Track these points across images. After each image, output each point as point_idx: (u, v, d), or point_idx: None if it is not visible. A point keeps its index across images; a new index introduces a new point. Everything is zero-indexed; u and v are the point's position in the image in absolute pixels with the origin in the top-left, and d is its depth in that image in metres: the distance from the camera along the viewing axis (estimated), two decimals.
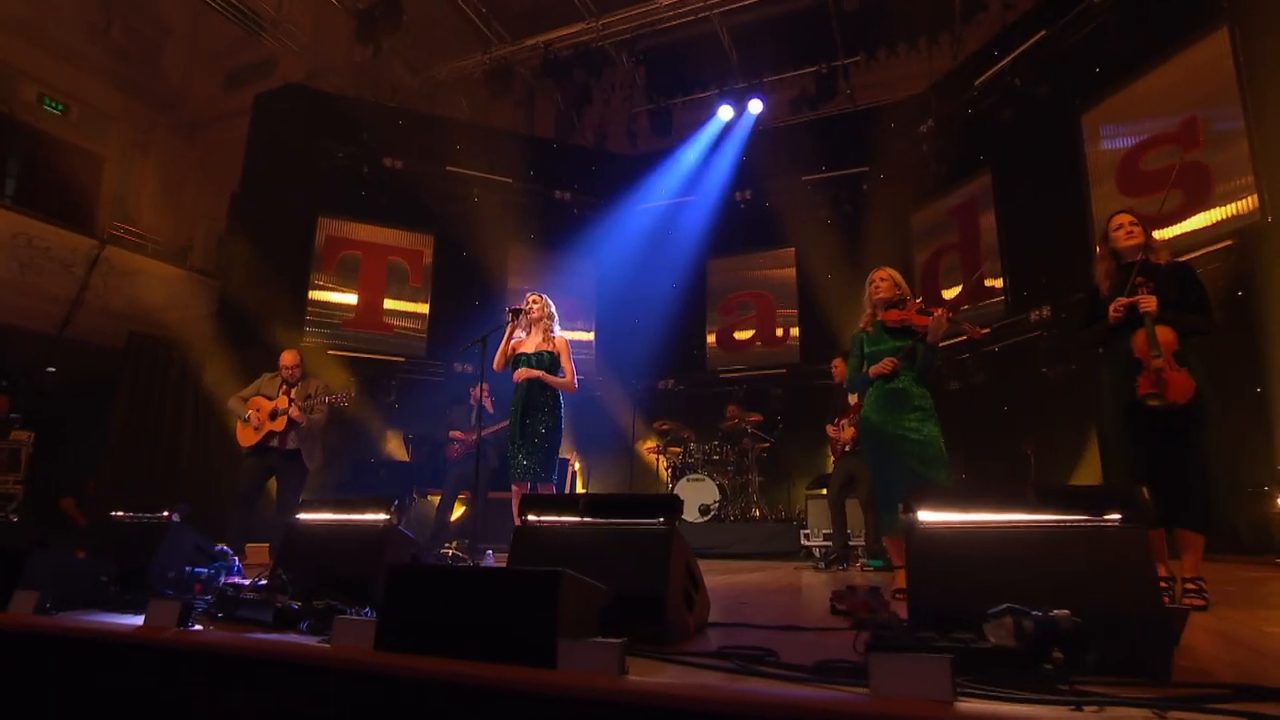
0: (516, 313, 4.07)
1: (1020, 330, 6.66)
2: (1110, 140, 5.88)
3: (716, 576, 4.13)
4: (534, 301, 4.12)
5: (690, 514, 6.67)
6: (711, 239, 9.41)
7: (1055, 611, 1.53)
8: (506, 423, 5.34)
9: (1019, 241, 6.88)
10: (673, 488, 7.12)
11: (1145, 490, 1.63)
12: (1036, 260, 6.65)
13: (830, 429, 5.54)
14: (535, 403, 4.03)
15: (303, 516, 2.69)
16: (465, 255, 9.04)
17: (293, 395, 4.80)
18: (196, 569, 2.73)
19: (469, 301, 8.94)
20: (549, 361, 4.08)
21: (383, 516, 2.48)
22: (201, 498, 6.38)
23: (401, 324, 8.78)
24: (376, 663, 1.65)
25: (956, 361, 7.07)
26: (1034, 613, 1.54)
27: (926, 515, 1.88)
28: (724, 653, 1.76)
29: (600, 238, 9.49)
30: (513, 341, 4.15)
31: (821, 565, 5.26)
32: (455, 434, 6.06)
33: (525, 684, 1.51)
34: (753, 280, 9.51)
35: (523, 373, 3.99)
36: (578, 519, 2.19)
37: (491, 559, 4.63)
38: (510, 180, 9.23)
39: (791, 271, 9.21)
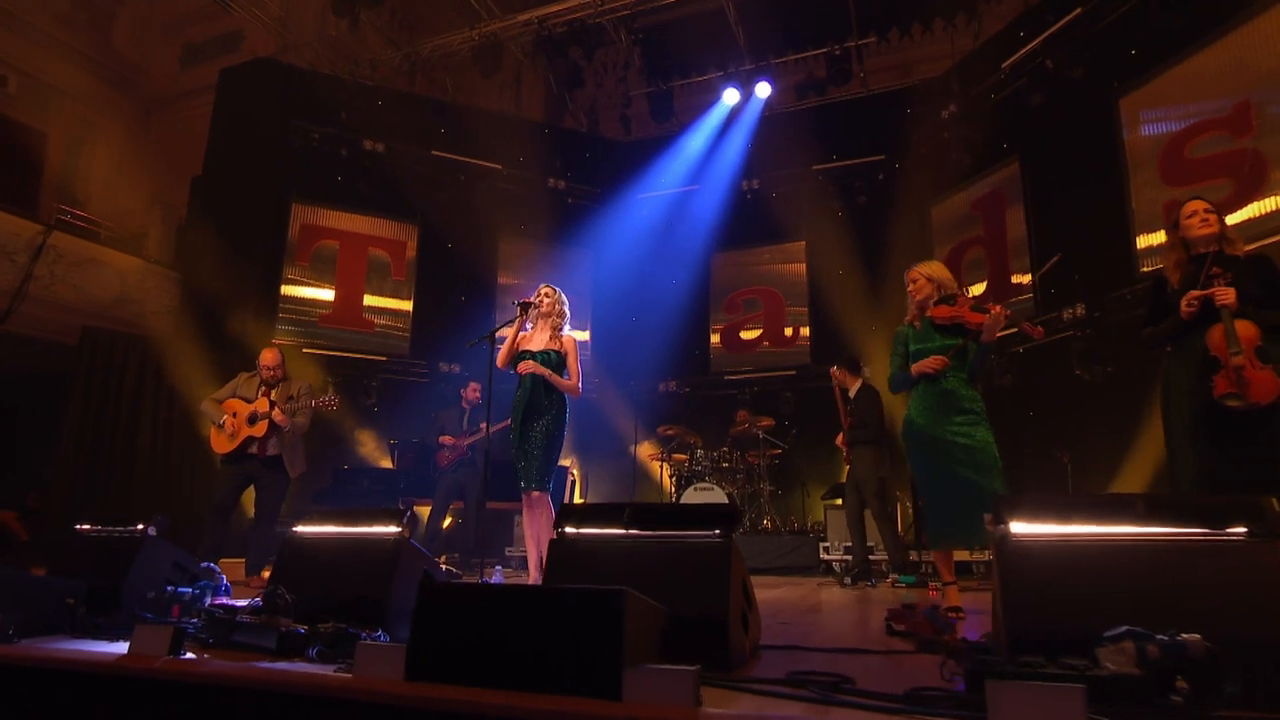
0: (526, 306, 3.96)
1: (1050, 330, 6.63)
2: (1152, 125, 5.86)
3: None
4: (546, 294, 4.00)
5: None
6: (716, 232, 9.32)
7: (1184, 635, 1.46)
8: (501, 424, 5.24)
9: (1049, 235, 6.86)
10: (679, 496, 7.04)
11: (1275, 501, 1.57)
12: (1069, 255, 6.62)
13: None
14: (538, 405, 3.92)
15: (300, 530, 2.57)
16: (451, 247, 8.89)
17: (273, 397, 4.63)
18: (179, 589, 2.59)
19: (455, 297, 8.80)
20: (555, 361, 3.98)
21: (394, 529, 2.37)
22: (165, 508, 6.17)
23: (383, 321, 8.61)
24: (413, 695, 1.55)
25: None
26: (1159, 637, 1.47)
27: (1020, 527, 1.81)
28: (799, 679, 1.69)
29: (597, 229, 9.40)
30: (518, 337, 4.04)
31: (847, 581, 5.21)
32: (446, 439, 5.94)
33: (588, 717, 1.43)
34: (760, 276, 9.45)
35: (526, 365, 3.88)
36: (622, 531, 2.10)
37: (501, 575, 4.50)
38: (500, 166, 9.10)
39: (801, 267, 9.17)
